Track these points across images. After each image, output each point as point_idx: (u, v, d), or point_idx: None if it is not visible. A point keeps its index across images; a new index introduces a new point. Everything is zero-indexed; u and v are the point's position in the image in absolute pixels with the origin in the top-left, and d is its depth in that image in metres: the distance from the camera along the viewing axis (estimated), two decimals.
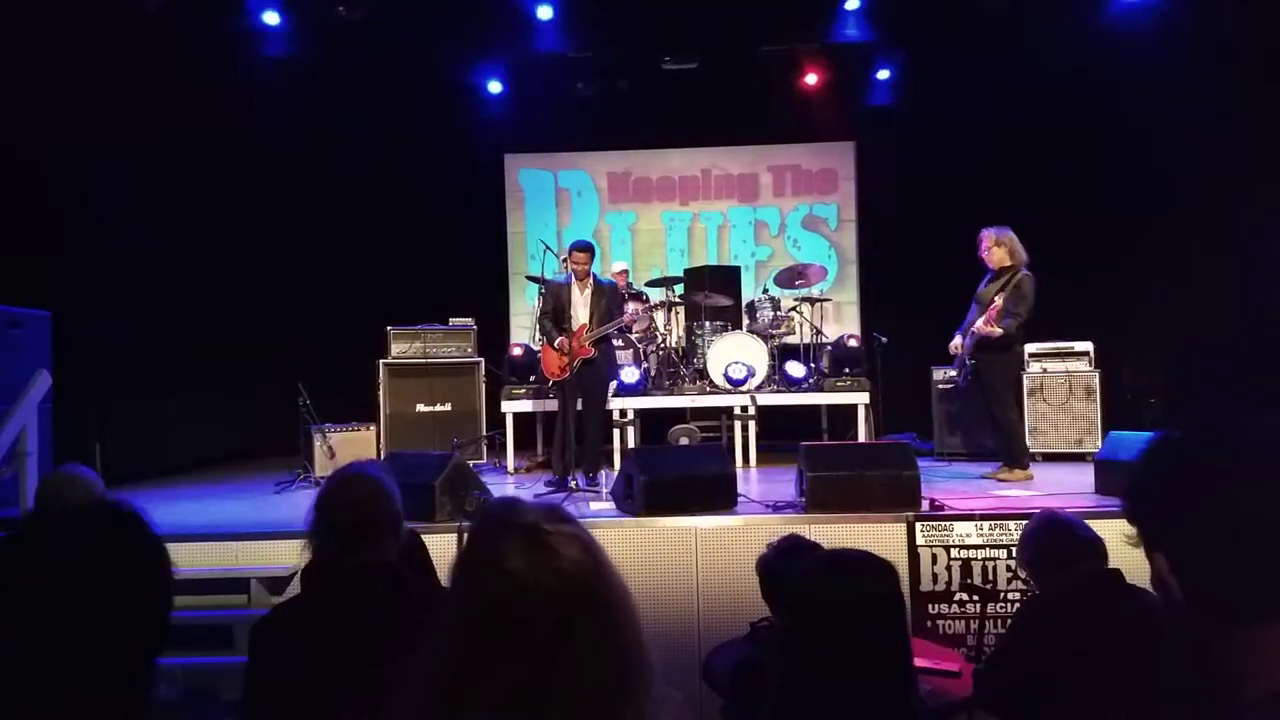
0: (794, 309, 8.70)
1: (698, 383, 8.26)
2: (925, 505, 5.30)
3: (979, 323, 6.35)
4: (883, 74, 9.99)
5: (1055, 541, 2.94)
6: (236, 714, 2.20)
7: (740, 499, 5.62)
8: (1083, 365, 7.85)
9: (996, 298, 6.27)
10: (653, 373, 8.44)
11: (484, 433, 8.22)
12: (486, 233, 10.80)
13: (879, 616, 1.84)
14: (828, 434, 8.93)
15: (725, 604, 4.79)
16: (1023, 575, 4.76)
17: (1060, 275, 7.08)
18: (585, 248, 6.81)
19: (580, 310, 6.74)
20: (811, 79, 9.95)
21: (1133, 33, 8.17)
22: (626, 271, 9.13)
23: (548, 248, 7.82)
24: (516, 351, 8.73)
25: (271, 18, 8.64)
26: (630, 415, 7.97)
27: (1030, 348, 7.72)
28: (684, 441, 7.82)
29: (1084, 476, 6.09)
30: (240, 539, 5.25)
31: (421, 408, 8.14)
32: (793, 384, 8.24)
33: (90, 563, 1.25)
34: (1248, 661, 1.06)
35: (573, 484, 6.51)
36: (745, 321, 8.90)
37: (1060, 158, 9.09)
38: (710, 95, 10.06)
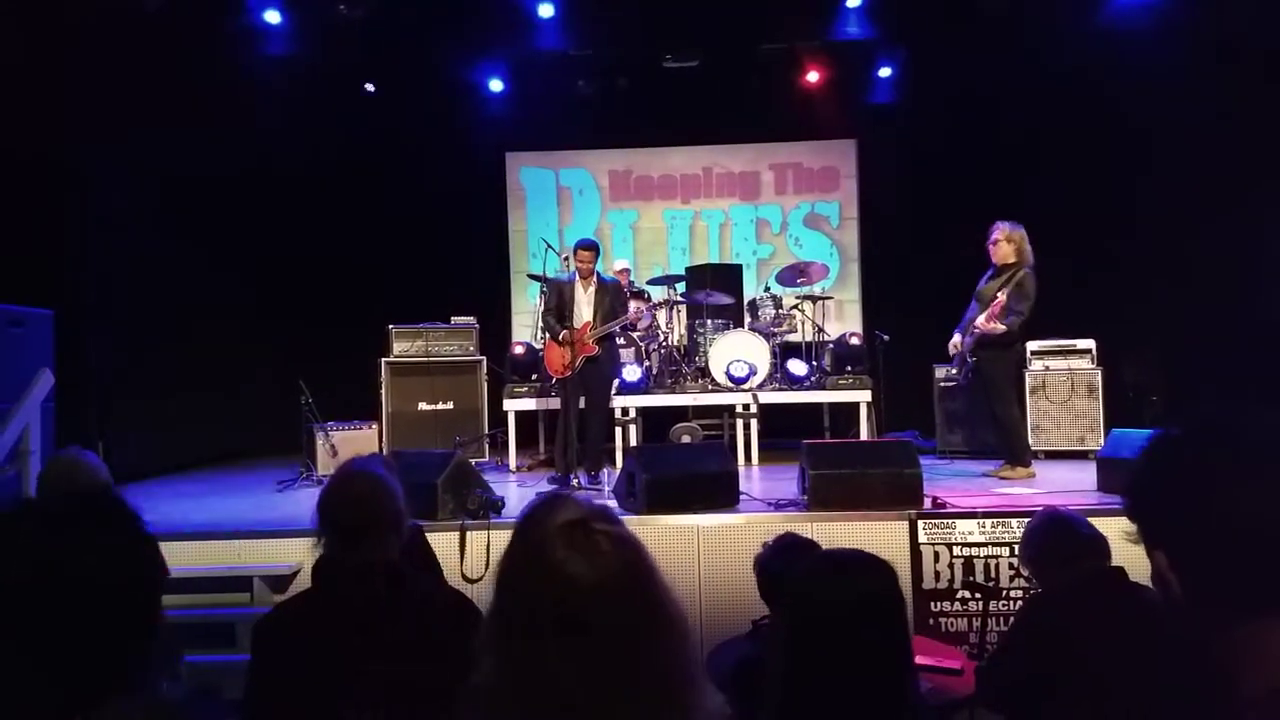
0: (796, 307, 8.70)
1: (699, 381, 8.27)
2: (927, 503, 5.30)
3: (980, 319, 6.33)
4: (884, 72, 9.98)
5: (1058, 539, 2.93)
6: (239, 712, 2.21)
7: (742, 497, 5.63)
8: (1085, 363, 7.85)
9: (1000, 294, 6.24)
10: (655, 371, 8.44)
11: (486, 431, 8.23)
12: (488, 231, 10.80)
13: (879, 615, 1.84)
14: (829, 432, 8.93)
15: (727, 602, 4.79)
16: (1025, 573, 4.76)
17: (1062, 273, 7.07)
18: (591, 246, 6.82)
19: (584, 308, 6.74)
20: (813, 76, 9.95)
21: (1133, 32, 8.15)
22: (628, 270, 9.13)
23: (549, 246, 7.82)
24: (518, 350, 8.74)
25: (273, 16, 8.64)
26: (632, 413, 7.97)
27: (1032, 345, 7.73)
28: (686, 440, 7.82)
29: (1086, 474, 6.10)
30: (243, 537, 5.26)
31: (423, 406, 8.14)
32: (794, 382, 8.24)
33: (70, 554, 1.25)
34: (1247, 658, 1.06)
35: (575, 482, 6.52)
36: (747, 320, 8.90)
37: (1061, 156, 9.09)
38: (711, 93, 10.05)
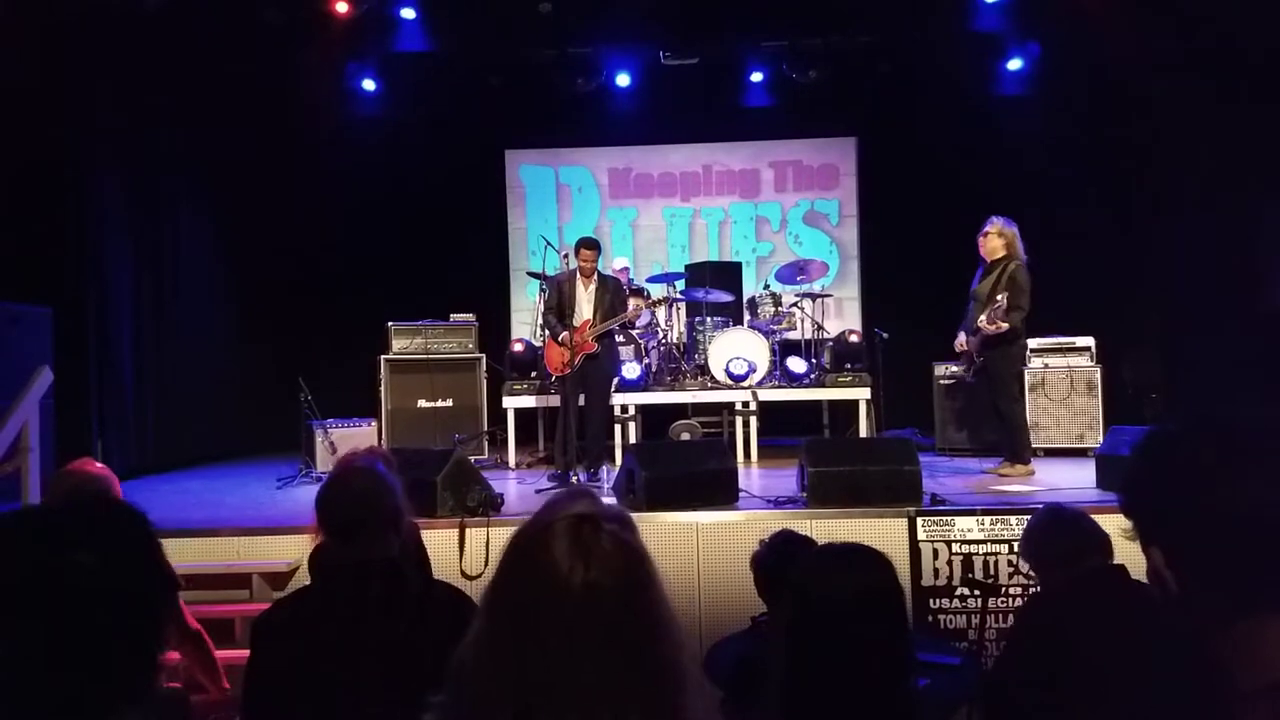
0: (795, 305, 8.70)
1: (699, 378, 8.27)
2: (926, 500, 5.30)
3: (982, 320, 6.34)
4: (884, 69, 9.95)
5: (1060, 536, 2.91)
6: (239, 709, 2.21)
7: (742, 494, 5.63)
8: (1084, 360, 7.84)
9: (999, 297, 6.26)
10: (654, 368, 8.44)
11: (485, 428, 8.23)
12: (487, 229, 10.79)
13: (879, 608, 1.84)
14: (829, 430, 8.93)
15: (726, 599, 4.80)
16: (1025, 570, 4.77)
17: (1062, 271, 7.09)
18: (593, 245, 6.83)
19: (584, 306, 6.74)
20: (812, 74, 9.92)
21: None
22: (628, 269, 9.13)
23: (549, 244, 7.82)
24: (518, 347, 8.74)
25: (274, 15, 8.61)
26: (632, 411, 7.97)
27: (1032, 343, 7.72)
28: (685, 437, 7.83)
29: (1085, 472, 6.10)
30: (242, 534, 5.26)
31: (423, 403, 8.15)
32: (794, 380, 8.24)
33: (83, 562, 1.24)
34: (1244, 654, 1.06)
35: (574, 479, 6.52)
36: (746, 317, 8.89)
37: (1062, 154, 9.09)
38: (711, 90, 10.04)
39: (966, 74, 9.51)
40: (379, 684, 2.05)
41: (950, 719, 2.99)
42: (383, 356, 8.17)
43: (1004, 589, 4.94)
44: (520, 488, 6.71)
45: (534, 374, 8.25)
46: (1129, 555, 2.33)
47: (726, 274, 9.39)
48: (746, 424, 8.01)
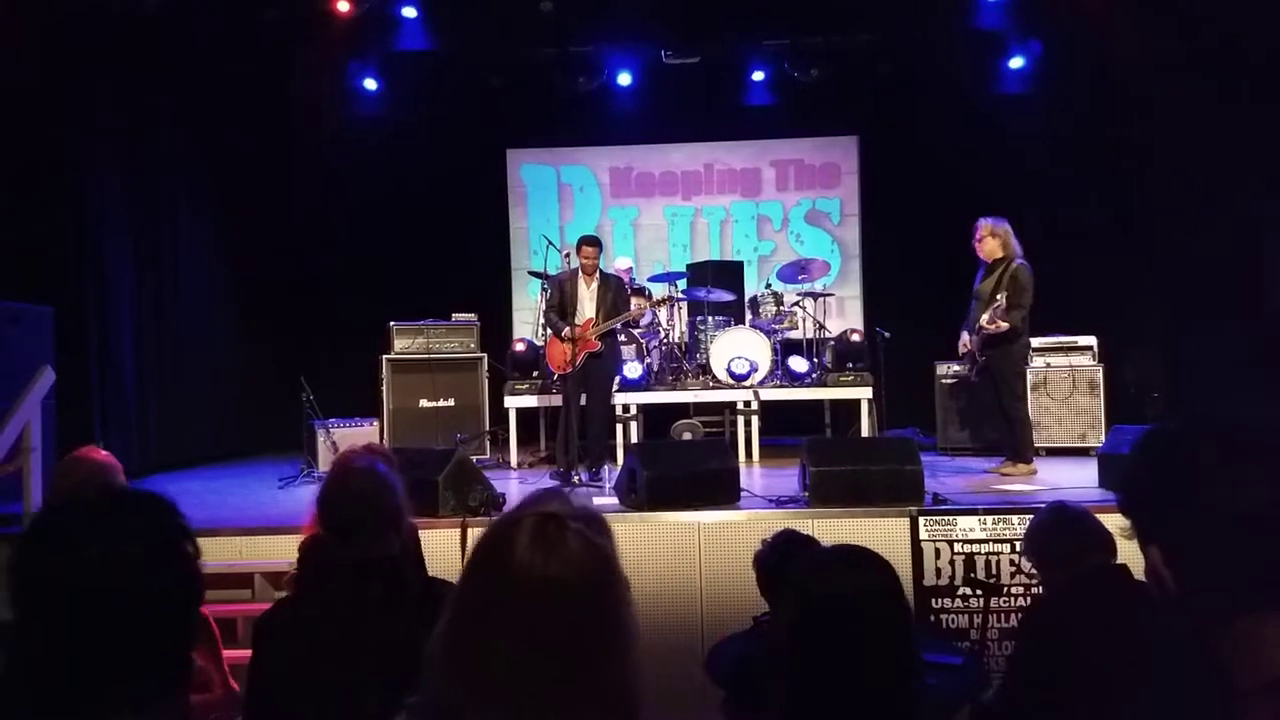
0: (797, 304, 8.69)
1: (700, 378, 8.26)
2: (928, 500, 5.30)
3: (984, 320, 6.34)
4: (886, 68, 9.95)
5: (1063, 534, 2.90)
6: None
7: (743, 494, 5.62)
8: (1086, 360, 7.84)
9: (999, 296, 6.26)
10: (655, 368, 8.44)
11: (487, 428, 8.23)
12: (489, 228, 10.78)
13: (883, 608, 1.84)
14: (831, 429, 8.93)
15: (728, 598, 4.79)
16: (1027, 569, 4.76)
17: (1064, 270, 7.08)
18: (594, 242, 6.82)
19: (587, 304, 6.74)
20: (814, 72, 9.91)
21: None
22: (632, 268, 9.13)
23: (550, 243, 7.83)
24: (519, 347, 8.74)
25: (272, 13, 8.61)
26: (633, 410, 7.97)
27: (1034, 342, 7.71)
28: (687, 437, 7.82)
29: (1088, 471, 6.10)
30: (244, 534, 5.27)
31: (424, 403, 8.15)
32: (795, 379, 8.24)
33: (125, 556, 1.20)
34: (1243, 653, 1.06)
35: (576, 479, 6.52)
36: (748, 317, 8.89)
37: (1063, 153, 9.08)
38: (712, 89, 10.03)
39: (968, 73, 9.50)
40: (380, 683, 2.05)
41: (952, 719, 2.98)
42: (384, 356, 8.17)
43: (1006, 589, 4.94)
44: (522, 488, 6.72)
45: (535, 374, 8.25)
46: (1132, 555, 2.34)
47: (728, 273, 9.39)
48: (748, 423, 8.00)
